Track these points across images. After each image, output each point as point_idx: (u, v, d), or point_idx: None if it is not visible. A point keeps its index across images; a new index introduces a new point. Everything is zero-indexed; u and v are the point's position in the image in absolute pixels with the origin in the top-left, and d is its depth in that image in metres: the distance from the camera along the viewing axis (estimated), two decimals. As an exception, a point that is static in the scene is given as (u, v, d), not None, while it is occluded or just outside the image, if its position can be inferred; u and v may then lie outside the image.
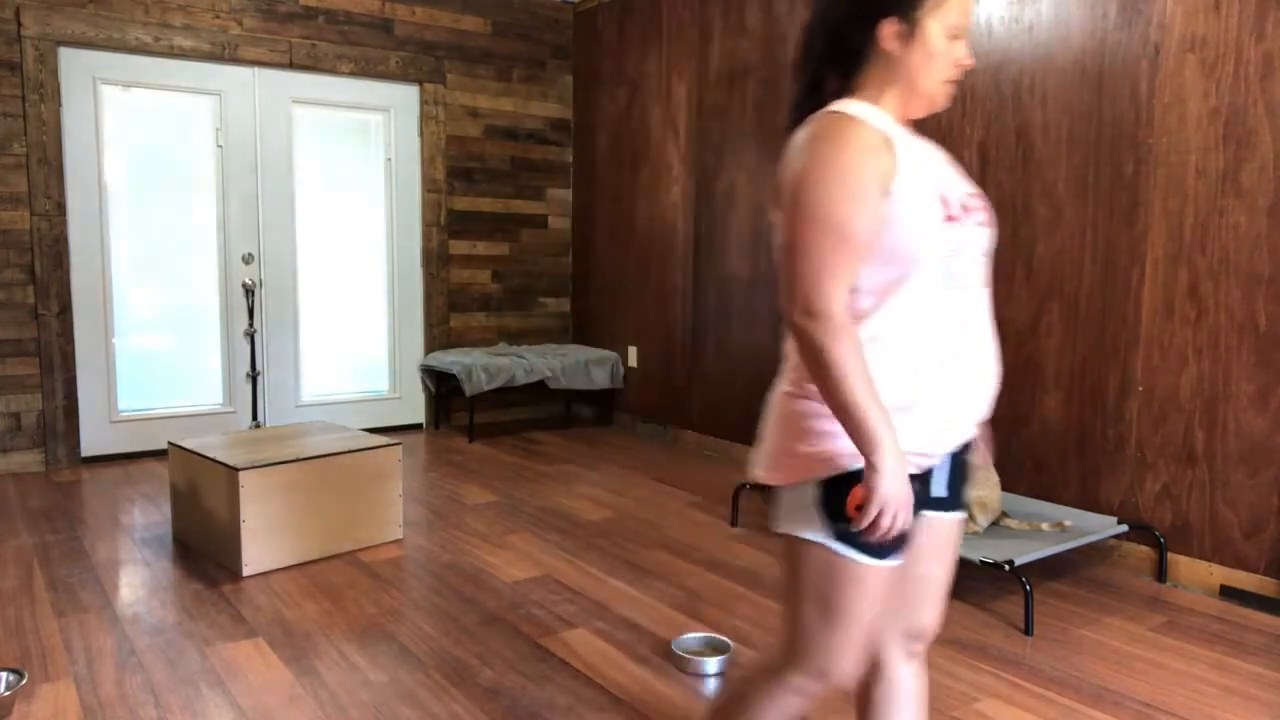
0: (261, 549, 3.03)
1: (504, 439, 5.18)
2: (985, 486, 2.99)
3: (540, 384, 5.30)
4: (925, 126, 3.69)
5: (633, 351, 5.38)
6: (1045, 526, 3.01)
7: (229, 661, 2.39)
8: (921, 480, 1.34)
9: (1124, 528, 3.04)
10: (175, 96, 4.54)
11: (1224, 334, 2.87)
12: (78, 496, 3.90)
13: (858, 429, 1.22)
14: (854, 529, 1.25)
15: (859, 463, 1.25)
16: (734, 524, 3.60)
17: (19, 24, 4.10)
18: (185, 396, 4.71)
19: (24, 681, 2.18)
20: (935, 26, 1.30)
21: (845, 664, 1.35)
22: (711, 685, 2.28)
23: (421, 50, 5.16)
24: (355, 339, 5.20)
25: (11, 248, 4.18)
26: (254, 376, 4.85)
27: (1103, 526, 3.03)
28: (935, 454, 1.33)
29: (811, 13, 1.43)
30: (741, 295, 4.62)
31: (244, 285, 4.79)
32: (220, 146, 4.68)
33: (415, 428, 5.41)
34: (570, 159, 5.77)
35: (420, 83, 5.19)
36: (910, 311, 1.29)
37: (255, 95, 4.74)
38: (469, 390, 4.85)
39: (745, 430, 4.65)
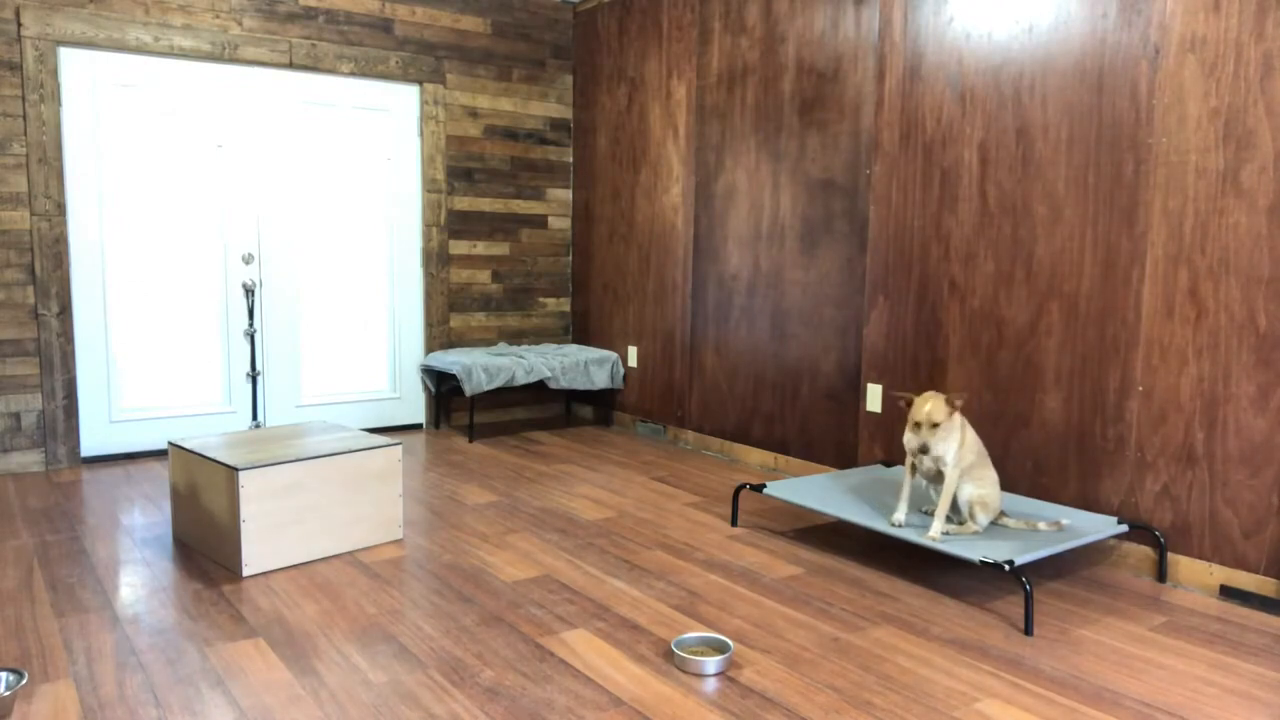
0: (261, 549, 3.03)
1: (504, 439, 5.18)
2: (985, 486, 2.99)
3: (540, 384, 5.31)
4: (924, 126, 3.70)
5: (633, 351, 5.38)
6: (1042, 526, 3.01)
7: (229, 661, 2.39)
8: None
9: (1124, 528, 3.04)
10: (175, 96, 4.54)
11: (1224, 334, 2.87)
12: (78, 496, 3.90)
13: None
14: None
15: None
16: (734, 524, 3.60)
17: (19, 24, 4.10)
18: (185, 396, 4.71)
19: (24, 681, 2.17)
20: None
21: None
22: (711, 685, 2.28)
23: (421, 50, 5.16)
24: (355, 339, 5.20)
25: (11, 248, 4.18)
26: (254, 376, 4.85)
27: (1103, 526, 3.03)
28: None
29: None
30: (741, 295, 4.62)
31: (244, 285, 4.79)
32: (220, 146, 4.68)
33: (415, 428, 5.41)
34: (570, 159, 5.77)
35: (420, 83, 5.19)
36: None
37: (255, 95, 4.74)
38: (469, 390, 4.85)
39: (745, 430, 4.66)
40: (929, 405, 2.90)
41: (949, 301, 3.67)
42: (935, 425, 2.89)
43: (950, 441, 2.94)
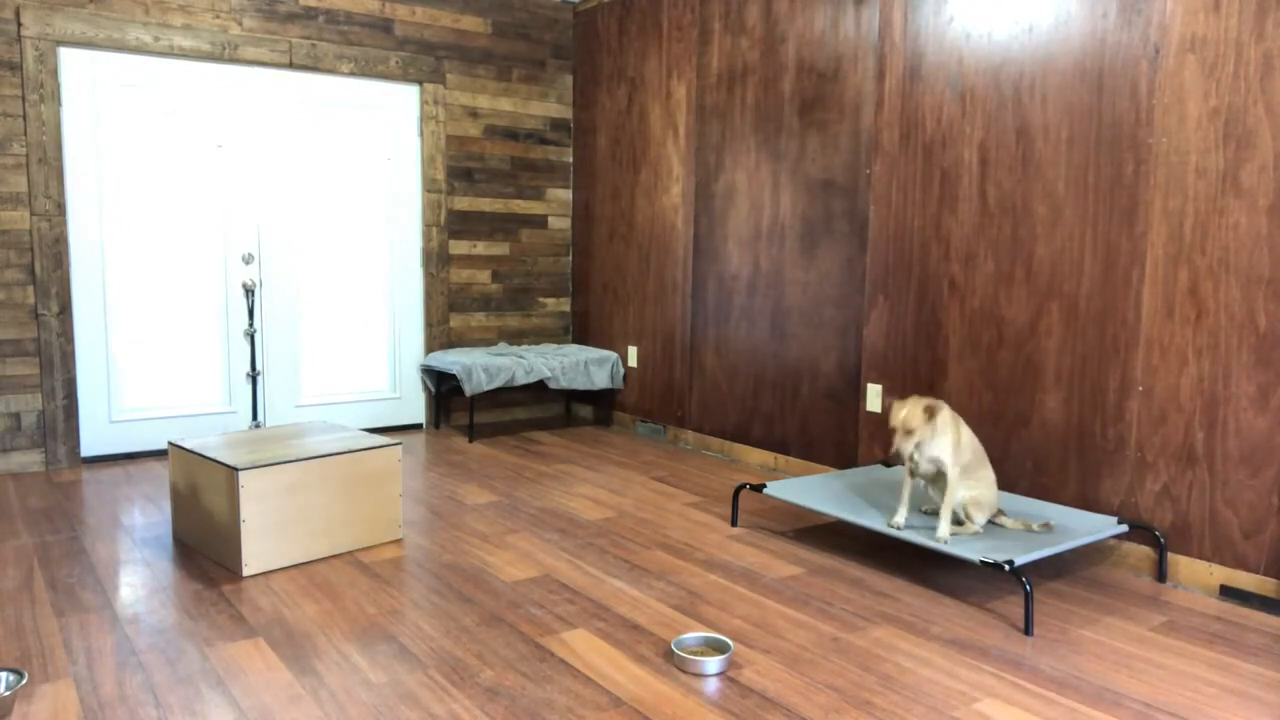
0: (261, 549, 3.03)
1: (504, 439, 5.18)
2: (980, 486, 2.99)
3: (540, 384, 5.30)
4: (924, 126, 3.70)
5: (633, 351, 5.38)
6: (1035, 526, 3.01)
7: (229, 661, 2.39)
8: None
9: (1124, 528, 3.04)
10: (175, 96, 4.54)
11: (1224, 334, 2.87)
12: (78, 496, 3.90)
13: None
14: None
15: None
16: (734, 524, 3.59)
17: (19, 24, 4.10)
18: (185, 396, 4.71)
19: (24, 681, 2.17)
20: None
21: None
22: (711, 685, 2.28)
23: (421, 50, 5.16)
24: (355, 339, 5.20)
25: (11, 248, 4.18)
26: (254, 376, 4.85)
27: (1103, 526, 3.03)
28: None
29: None
30: (741, 295, 4.62)
31: (244, 285, 4.79)
32: (220, 146, 4.68)
33: (415, 428, 5.41)
34: (570, 159, 5.77)
35: (420, 83, 5.19)
36: None
37: (255, 95, 4.74)
38: (469, 390, 4.85)
39: (745, 430, 4.66)
40: (904, 412, 2.90)
41: (949, 301, 3.67)
42: (910, 431, 2.89)
43: (944, 443, 2.93)
